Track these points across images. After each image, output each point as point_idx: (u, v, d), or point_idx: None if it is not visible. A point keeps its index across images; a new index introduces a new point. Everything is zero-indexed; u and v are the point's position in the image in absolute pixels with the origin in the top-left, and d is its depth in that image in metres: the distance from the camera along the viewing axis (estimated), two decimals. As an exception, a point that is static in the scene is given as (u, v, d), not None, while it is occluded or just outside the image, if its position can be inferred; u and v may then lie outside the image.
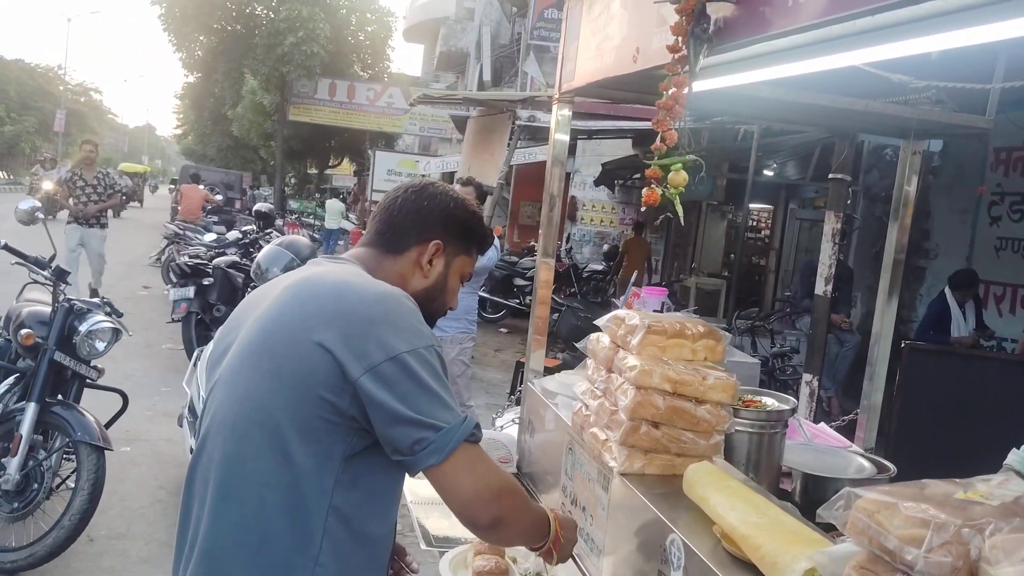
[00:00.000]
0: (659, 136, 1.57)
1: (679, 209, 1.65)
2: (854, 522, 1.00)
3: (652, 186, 1.59)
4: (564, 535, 1.62)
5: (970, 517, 0.92)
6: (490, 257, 5.12)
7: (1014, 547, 0.87)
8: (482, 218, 1.70)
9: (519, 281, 12.28)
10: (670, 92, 1.53)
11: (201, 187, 17.44)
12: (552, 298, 8.72)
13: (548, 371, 2.78)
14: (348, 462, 1.36)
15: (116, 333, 4.22)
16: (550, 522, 1.58)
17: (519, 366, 6.55)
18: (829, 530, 1.40)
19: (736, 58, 1.56)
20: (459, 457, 1.34)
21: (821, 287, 3.02)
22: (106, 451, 3.77)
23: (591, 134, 11.03)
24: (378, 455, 1.38)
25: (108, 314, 4.27)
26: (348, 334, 1.34)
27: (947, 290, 6.34)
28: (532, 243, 14.31)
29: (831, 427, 2.83)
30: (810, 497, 2.00)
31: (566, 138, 2.67)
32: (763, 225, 14.29)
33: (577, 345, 2.15)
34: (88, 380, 4.20)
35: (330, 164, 34.61)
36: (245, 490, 1.36)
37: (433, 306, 1.61)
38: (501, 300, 11.93)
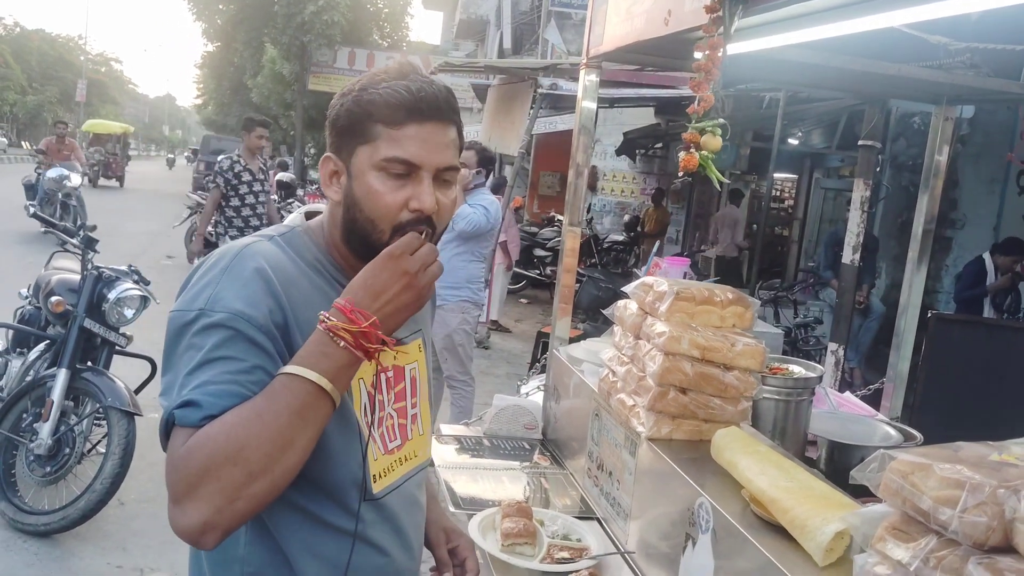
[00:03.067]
0: (696, 99, 1.55)
1: (714, 173, 1.63)
2: (887, 483, 1.00)
3: (691, 150, 1.57)
4: (379, 303, 1.10)
5: (1005, 478, 0.92)
6: (479, 222, 4.80)
7: (1050, 508, 0.87)
8: (370, 81, 1.21)
9: (539, 252, 12.26)
10: (706, 54, 1.51)
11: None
12: (573, 268, 8.70)
13: (569, 341, 2.79)
14: None
15: (144, 301, 4.27)
16: (305, 383, 1.06)
17: (540, 336, 6.57)
18: (858, 495, 1.41)
19: (772, 19, 1.54)
20: (170, 442, 1.07)
21: (849, 255, 2.99)
22: (136, 416, 3.84)
23: (612, 102, 10.91)
24: None
25: (136, 282, 4.32)
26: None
27: (986, 255, 6.36)
28: (552, 213, 14.26)
29: (856, 396, 2.83)
30: (836, 465, 2.00)
31: (593, 105, 2.65)
32: (787, 195, 14.15)
33: (604, 312, 2.15)
34: (117, 347, 4.26)
35: (350, 134, 34.48)
36: None
37: (359, 228, 1.20)
38: (521, 271, 11.93)
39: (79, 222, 5.00)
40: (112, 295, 4.12)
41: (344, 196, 1.22)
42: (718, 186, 1.71)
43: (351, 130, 1.20)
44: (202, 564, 1.28)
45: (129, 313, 4.20)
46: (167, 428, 1.07)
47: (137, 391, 4.10)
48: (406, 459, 1.37)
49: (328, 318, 1.09)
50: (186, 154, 58.72)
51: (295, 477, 1.09)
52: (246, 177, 6.53)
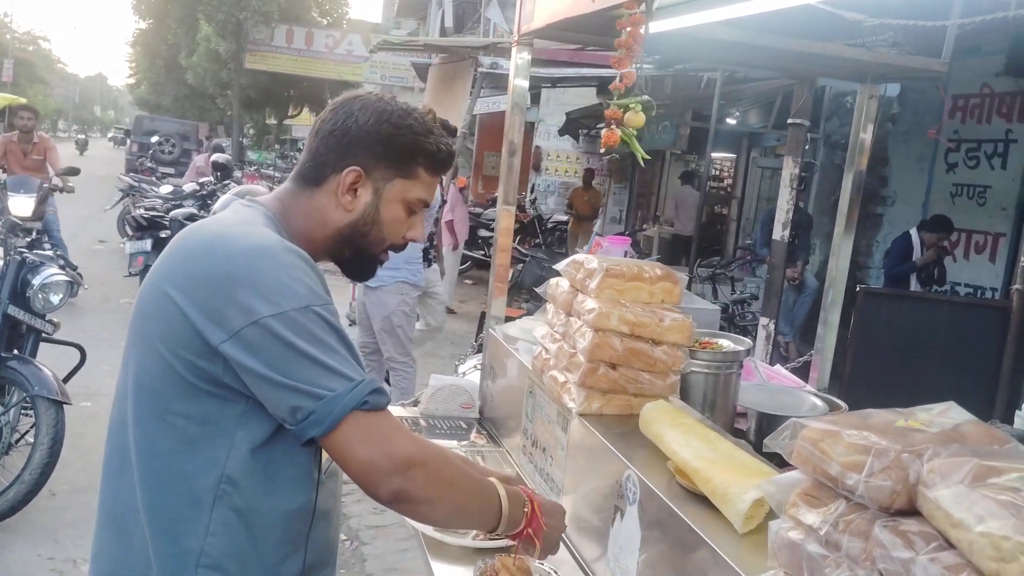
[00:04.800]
0: (618, 76, 1.55)
1: (639, 150, 1.64)
2: (799, 451, 1.02)
3: (612, 127, 1.58)
4: (547, 520, 1.44)
5: (910, 443, 0.95)
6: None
7: (950, 470, 0.90)
8: (424, 129, 1.39)
9: (483, 232, 12.24)
10: (627, 31, 1.52)
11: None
12: (516, 248, 8.73)
13: (514, 320, 2.79)
14: (243, 434, 1.25)
15: (70, 286, 4.15)
16: (499, 500, 1.37)
17: (484, 316, 6.58)
18: (783, 465, 1.44)
19: (692, -4, 1.55)
20: (349, 427, 1.19)
21: (779, 232, 3.06)
22: (65, 405, 3.74)
23: (555, 82, 10.91)
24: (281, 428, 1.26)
25: (61, 267, 4.20)
26: (205, 296, 1.21)
27: (913, 231, 6.56)
28: (496, 194, 14.19)
29: (786, 369, 2.89)
30: (764, 435, 2.03)
31: (526, 83, 2.63)
32: (725, 174, 14.37)
33: (537, 290, 2.16)
34: (44, 334, 4.14)
35: (289, 114, 33.91)
36: (127, 456, 1.28)
37: (367, 241, 1.41)
38: (466, 252, 11.89)
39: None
40: (36, 281, 4.00)
41: (364, 211, 1.38)
42: (642, 163, 1.72)
43: (397, 161, 1.38)
44: (146, 557, 1.26)
45: (55, 299, 4.08)
46: (342, 414, 1.18)
47: (66, 379, 3.99)
48: None
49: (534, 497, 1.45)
50: (111, 135, 54.86)
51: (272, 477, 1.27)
52: None
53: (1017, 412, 3.01)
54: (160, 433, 1.25)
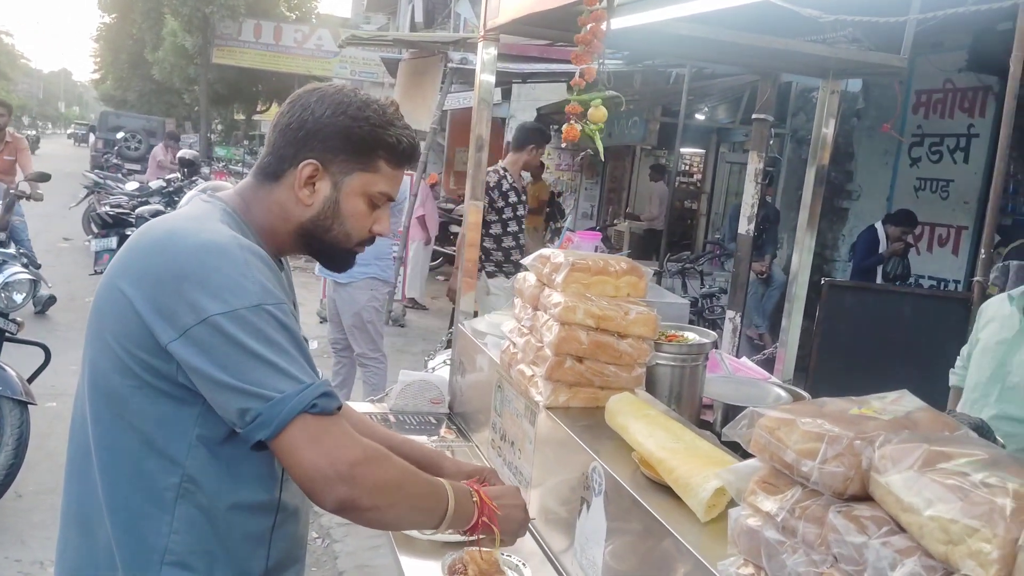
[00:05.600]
0: (578, 71, 1.57)
1: (599, 145, 1.66)
2: (756, 439, 1.04)
3: (571, 122, 1.59)
4: (499, 503, 1.47)
5: (862, 430, 0.97)
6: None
7: (900, 456, 0.92)
8: (384, 120, 1.35)
9: (455, 228, 12.21)
10: (588, 27, 1.53)
11: None
12: (488, 244, 8.68)
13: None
14: (202, 433, 1.24)
15: (33, 285, 4.09)
16: (448, 497, 1.37)
17: (455, 312, 6.57)
18: (746, 456, 1.47)
19: (653, -7, 1.57)
20: (296, 430, 1.16)
21: (744, 226, 3.09)
22: (30, 406, 3.69)
23: (525, 78, 10.91)
24: None
25: (25, 265, 4.13)
26: (156, 294, 1.18)
27: (879, 224, 6.66)
28: (467, 189, 14.12)
29: (752, 361, 2.93)
30: (730, 426, 2.08)
31: (492, 79, 2.64)
32: (695, 169, 14.46)
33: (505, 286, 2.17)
34: (7, 334, 4.08)
35: (258, 110, 33.53)
36: (89, 454, 1.28)
37: (329, 237, 1.38)
38: (438, 248, 11.87)
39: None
40: (-1, 280, 3.94)
41: (323, 205, 1.35)
42: (602, 157, 1.74)
43: (356, 154, 1.34)
44: (111, 554, 1.26)
45: (18, 298, 4.02)
46: (289, 416, 1.16)
47: (30, 379, 3.93)
48: None
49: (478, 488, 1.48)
50: (71, 131, 52.90)
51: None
52: (513, 198, 4.89)
53: (951, 371, 3.10)
54: (119, 432, 1.25)
